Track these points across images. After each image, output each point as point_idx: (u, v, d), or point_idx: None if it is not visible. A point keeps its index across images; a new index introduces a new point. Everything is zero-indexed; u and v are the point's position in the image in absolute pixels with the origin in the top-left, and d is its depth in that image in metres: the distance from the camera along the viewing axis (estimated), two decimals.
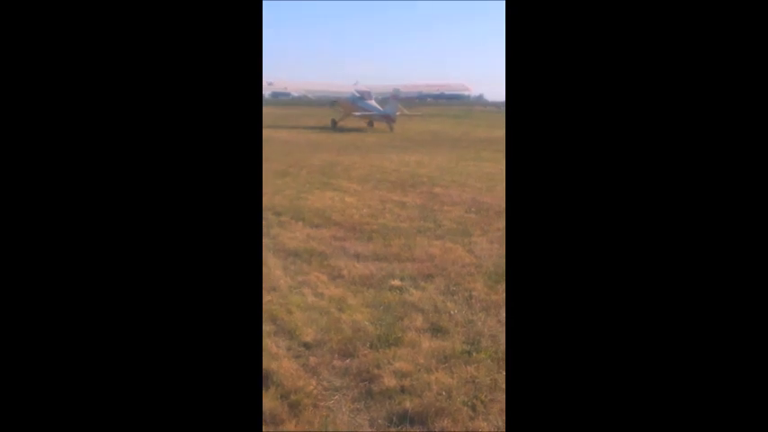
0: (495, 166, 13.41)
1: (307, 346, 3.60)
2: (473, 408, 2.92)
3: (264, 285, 4.52)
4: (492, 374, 3.25)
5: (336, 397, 3.01)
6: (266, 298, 4.31)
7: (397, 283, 4.82)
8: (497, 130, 28.59)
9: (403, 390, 3.06)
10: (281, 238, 6.20)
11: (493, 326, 3.95)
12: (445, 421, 2.79)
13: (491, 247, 6.11)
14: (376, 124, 28.37)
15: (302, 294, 4.53)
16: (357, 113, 28.20)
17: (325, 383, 3.14)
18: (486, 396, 3.02)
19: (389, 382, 3.14)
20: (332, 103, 31.07)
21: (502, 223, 7.25)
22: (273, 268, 5.13)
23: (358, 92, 28.93)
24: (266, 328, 3.78)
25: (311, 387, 3.08)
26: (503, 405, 2.94)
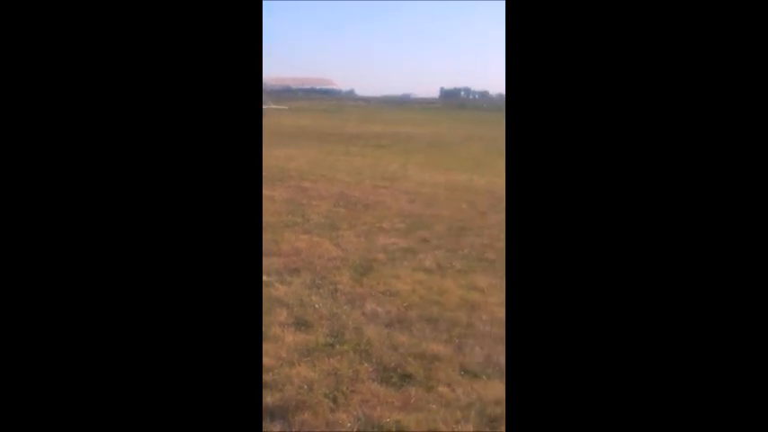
0: (364, 161, 13.58)
1: None
2: (334, 400, 2.94)
3: None
4: (354, 366, 3.29)
5: None
6: None
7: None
8: (367, 125, 28.95)
9: (264, 385, 3.03)
10: None
11: (357, 318, 4.00)
12: (306, 414, 2.79)
13: (358, 240, 6.19)
14: None
15: None
16: None
17: None
18: (347, 388, 3.05)
19: None
20: None
21: (369, 217, 7.37)
22: None
23: None
24: None
25: None
26: (364, 396, 2.99)
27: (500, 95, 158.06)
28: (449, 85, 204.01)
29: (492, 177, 11.55)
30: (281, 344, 3.52)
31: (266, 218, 7.05)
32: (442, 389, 3.10)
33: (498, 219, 7.60)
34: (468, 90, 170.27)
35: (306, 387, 3.03)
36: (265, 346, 3.47)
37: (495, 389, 3.12)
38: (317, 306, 4.19)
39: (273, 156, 13.96)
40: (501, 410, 2.90)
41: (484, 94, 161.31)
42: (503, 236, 6.70)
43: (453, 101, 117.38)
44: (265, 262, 5.18)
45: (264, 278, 4.73)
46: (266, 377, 3.10)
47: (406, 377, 3.22)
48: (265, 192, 8.81)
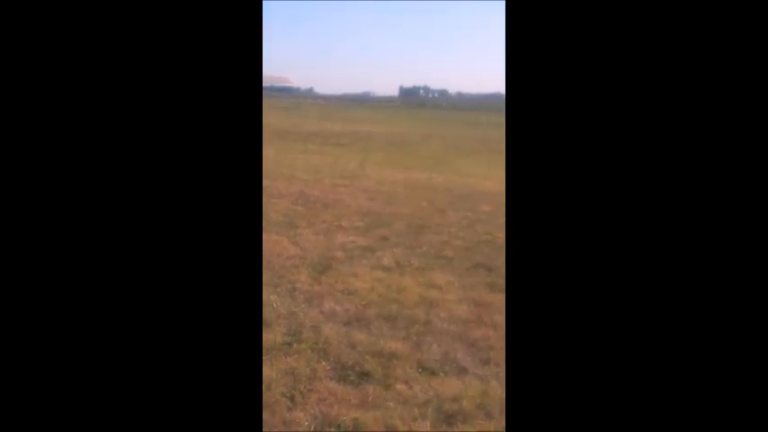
0: (323, 159, 13.53)
1: None
2: (291, 398, 2.92)
3: None
4: (312, 365, 3.27)
5: None
6: None
7: None
8: (326, 123, 28.87)
9: None
10: None
11: (315, 317, 3.98)
12: (263, 413, 2.76)
13: (317, 238, 6.16)
14: None
15: None
16: None
17: None
18: (304, 387, 3.04)
19: None
20: None
21: (328, 215, 7.35)
22: None
23: None
24: None
25: None
26: (321, 395, 2.98)
27: (459, 94, 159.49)
28: (408, 84, 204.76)
29: (451, 176, 11.64)
30: None
31: None
32: (400, 386, 3.11)
33: (457, 217, 7.66)
34: (427, 89, 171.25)
35: (263, 386, 3.00)
36: None
37: (452, 386, 3.14)
38: (275, 305, 4.16)
39: None
40: (458, 407, 2.92)
41: (443, 93, 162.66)
42: (461, 233, 6.79)
43: (413, 99, 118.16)
44: None
45: None
46: None
47: (364, 375, 3.22)
48: None
